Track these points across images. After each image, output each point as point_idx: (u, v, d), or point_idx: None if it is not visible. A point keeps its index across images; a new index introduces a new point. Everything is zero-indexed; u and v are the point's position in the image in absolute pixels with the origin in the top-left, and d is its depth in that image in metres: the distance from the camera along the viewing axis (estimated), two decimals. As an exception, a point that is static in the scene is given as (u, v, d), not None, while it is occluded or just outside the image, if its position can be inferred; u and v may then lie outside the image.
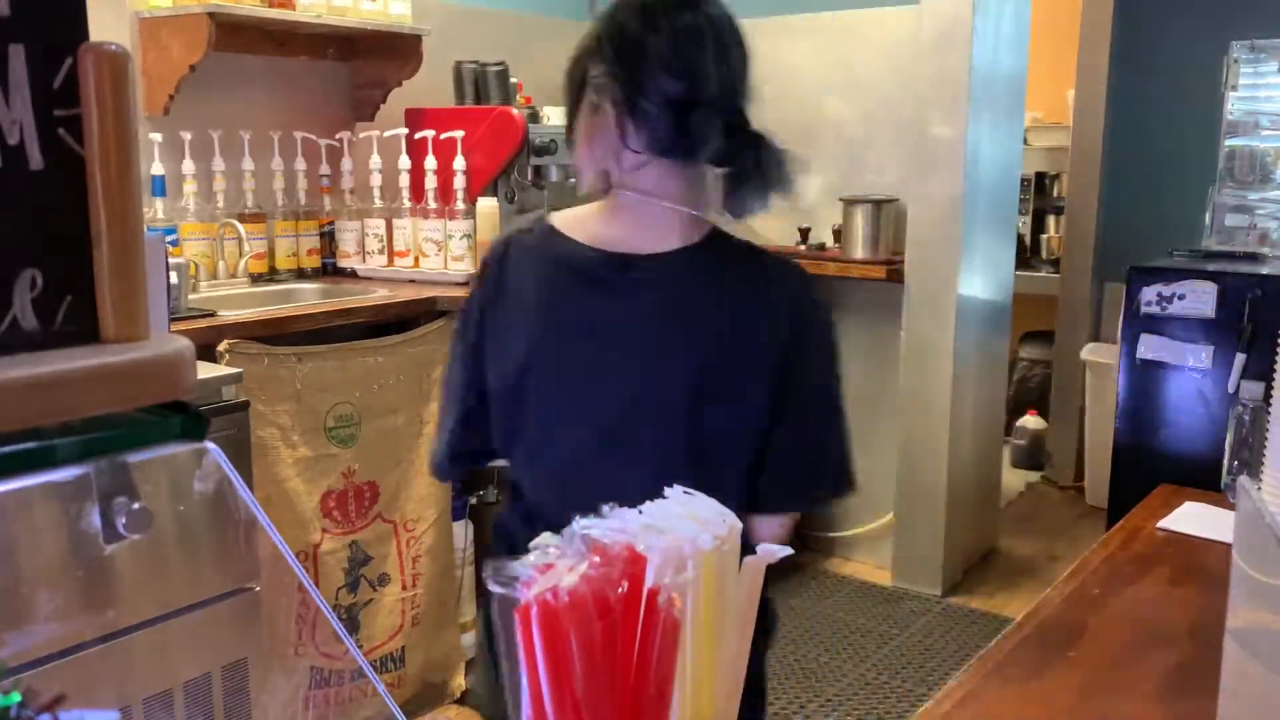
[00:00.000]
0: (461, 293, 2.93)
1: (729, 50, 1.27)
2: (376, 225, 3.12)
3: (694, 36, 1.24)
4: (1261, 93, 3.10)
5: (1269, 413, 1.35)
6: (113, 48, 0.52)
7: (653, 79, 1.23)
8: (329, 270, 3.17)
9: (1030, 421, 5.07)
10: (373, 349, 2.64)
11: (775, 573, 0.68)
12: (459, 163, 3.04)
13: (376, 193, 3.16)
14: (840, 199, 3.73)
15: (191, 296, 2.65)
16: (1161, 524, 1.77)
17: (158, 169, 2.78)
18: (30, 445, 0.53)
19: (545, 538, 0.64)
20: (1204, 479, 1.97)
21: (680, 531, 0.62)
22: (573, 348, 1.32)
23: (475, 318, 1.38)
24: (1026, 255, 5.34)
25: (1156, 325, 2.70)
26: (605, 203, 1.35)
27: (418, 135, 3.07)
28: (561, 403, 1.33)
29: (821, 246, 3.82)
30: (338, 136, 3.15)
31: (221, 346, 2.32)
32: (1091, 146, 4.73)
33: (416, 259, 3.10)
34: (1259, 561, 0.89)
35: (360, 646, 2.65)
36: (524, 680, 0.62)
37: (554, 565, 0.62)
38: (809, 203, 3.96)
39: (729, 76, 1.27)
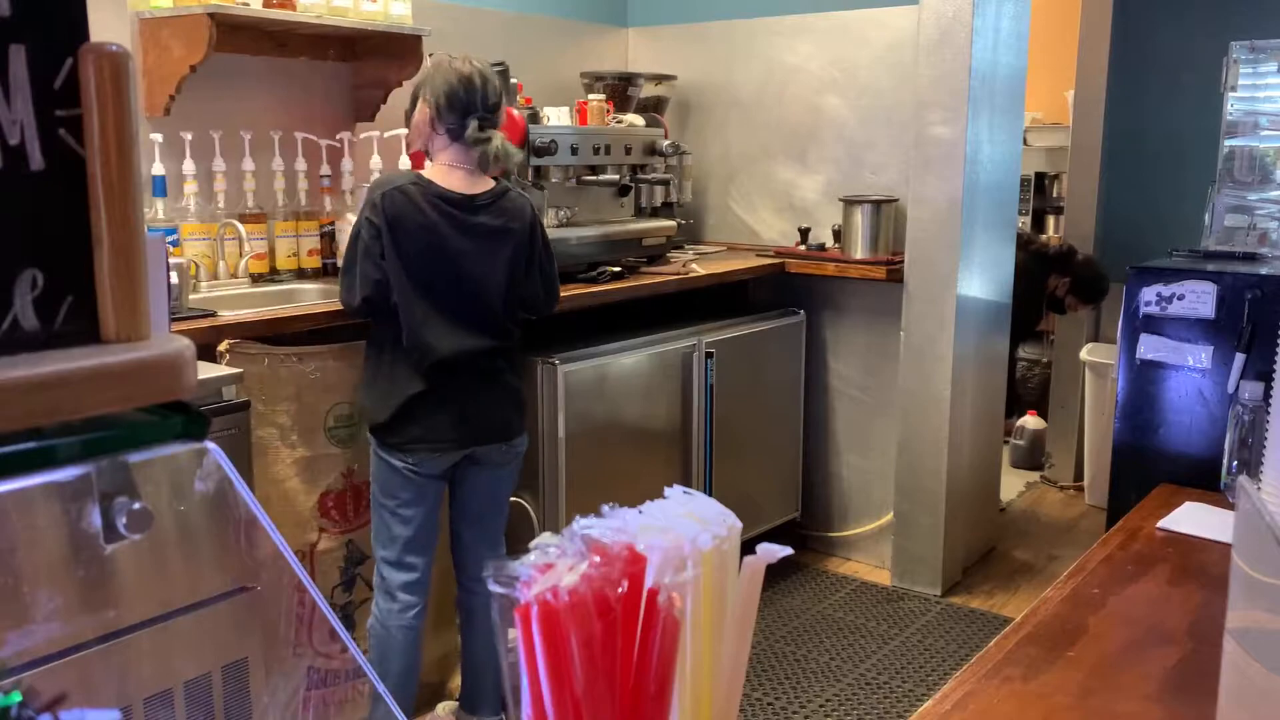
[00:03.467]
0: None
1: (488, 87, 2.35)
2: (376, 225, 3.12)
3: (467, 83, 2.33)
4: (1261, 93, 3.10)
5: (1268, 413, 1.35)
6: (113, 48, 0.52)
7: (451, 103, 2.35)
8: (329, 270, 3.16)
9: (1030, 421, 5.07)
10: (373, 349, 2.63)
11: (776, 572, 0.68)
12: (459, 163, 3.04)
13: (376, 193, 3.16)
14: (840, 199, 3.73)
15: (192, 297, 2.65)
16: (1161, 524, 1.78)
17: (158, 169, 2.78)
18: (30, 445, 0.53)
19: (545, 538, 0.64)
20: (1203, 479, 1.97)
21: (680, 531, 0.62)
22: (448, 244, 2.33)
23: (379, 235, 2.28)
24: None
25: (1156, 325, 2.70)
26: (436, 168, 2.37)
27: (418, 135, 3.07)
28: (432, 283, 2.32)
29: (821, 246, 3.82)
30: (338, 137, 3.14)
31: (222, 346, 2.32)
32: (1091, 146, 4.73)
33: (416, 259, 3.09)
34: (1258, 561, 0.89)
35: (357, 645, 2.65)
36: (524, 680, 0.62)
37: (554, 565, 0.62)
38: (809, 203, 3.97)
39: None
